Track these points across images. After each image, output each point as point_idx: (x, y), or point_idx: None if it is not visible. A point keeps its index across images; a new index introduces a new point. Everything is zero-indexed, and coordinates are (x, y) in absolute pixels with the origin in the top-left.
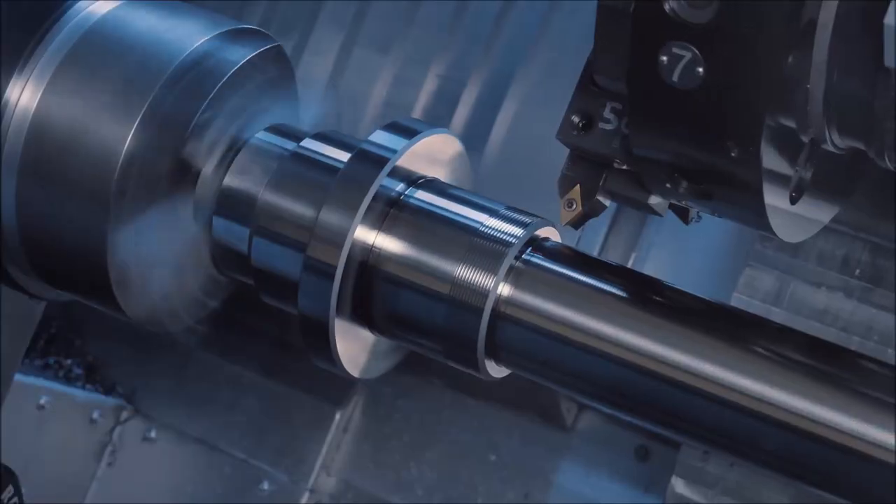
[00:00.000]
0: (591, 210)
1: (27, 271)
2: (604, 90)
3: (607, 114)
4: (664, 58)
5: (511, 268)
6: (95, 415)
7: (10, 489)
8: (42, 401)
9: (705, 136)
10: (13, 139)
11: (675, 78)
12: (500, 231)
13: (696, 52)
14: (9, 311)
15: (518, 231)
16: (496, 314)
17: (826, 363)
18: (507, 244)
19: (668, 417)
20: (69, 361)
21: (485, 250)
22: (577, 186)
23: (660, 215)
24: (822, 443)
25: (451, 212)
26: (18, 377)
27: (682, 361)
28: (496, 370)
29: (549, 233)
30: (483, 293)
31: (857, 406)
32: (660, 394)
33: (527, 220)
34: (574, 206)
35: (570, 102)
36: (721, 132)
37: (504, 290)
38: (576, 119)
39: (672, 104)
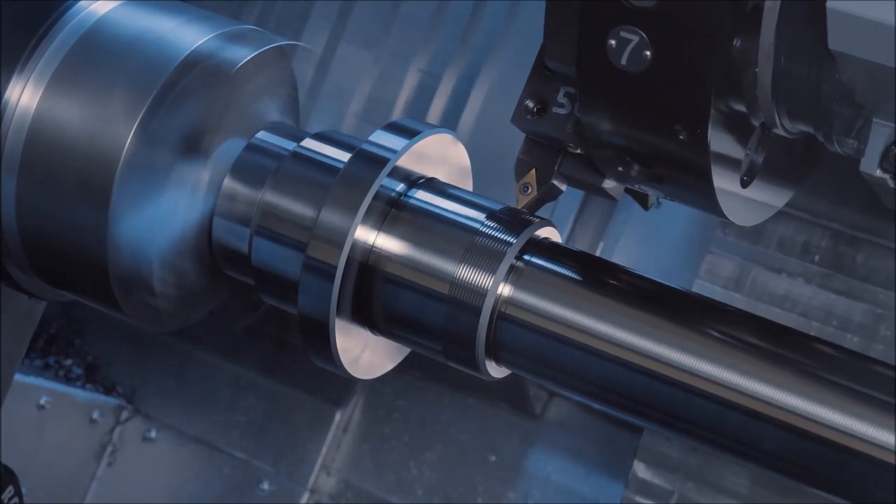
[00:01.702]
0: (546, 194)
1: (27, 271)
2: (557, 75)
3: (561, 98)
4: (612, 41)
5: (511, 268)
6: (95, 415)
7: (10, 489)
8: (42, 401)
9: (654, 119)
10: (13, 139)
11: (623, 61)
12: (500, 231)
13: (644, 35)
14: (9, 311)
15: (518, 231)
16: (496, 314)
17: (827, 363)
18: (507, 244)
19: (669, 418)
20: (69, 361)
21: (485, 250)
22: (533, 171)
23: (614, 199)
24: (822, 443)
25: (451, 212)
26: (18, 377)
27: (683, 361)
28: (496, 370)
29: (549, 233)
30: (483, 293)
31: (857, 406)
32: (661, 394)
33: (527, 220)
34: (529, 191)
35: (524, 87)
36: (669, 115)
37: (504, 290)
38: (530, 104)
39: (621, 87)
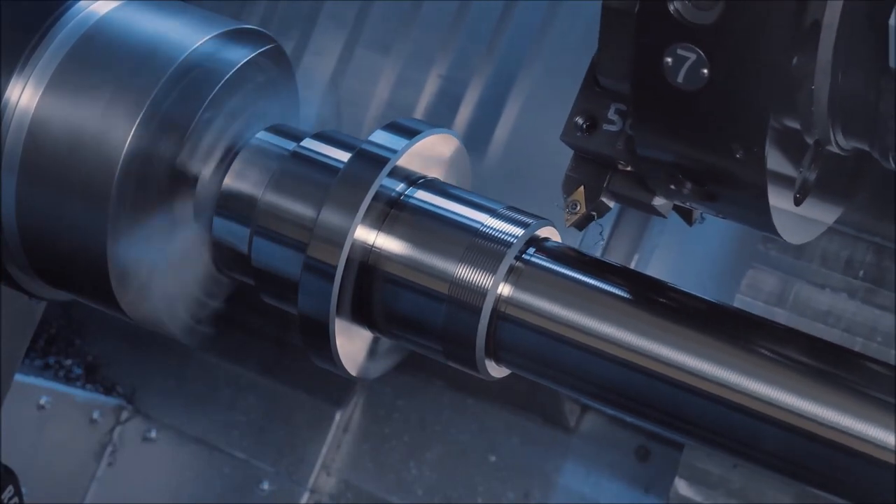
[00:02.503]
0: (595, 211)
1: (27, 271)
2: (608, 91)
3: (611, 115)
4: (669, 59)
5: (511, 268)
6: (95, 415)
7: (10, 489)
8: (42, 401)
9: (710, 138)
10: (13, 139)
11: (679, 79)
12: (500, 231)
13: (701, 53)
14: (9, 311)
15: (518, 231)
16: (496, 314)
17: (827, 363)
18: (507, 244)
19: (668, 417)
20: (69, 361)
21: (485, 250)
22: (581, 188)
23: (663, 216)
24: (822, 443)
25: (451, 212)
26: (18, 377)
27: (682, 361)
28: (496, 370)
29: (550, 233)
30: (483, 293)
31: (857, 406)
32: (660, 394)
33: (527, 220)
34: (578, 208)
35: (574, 103)
36: (726, 133)
37: (504, 289)
38: (580, 120)
39: (676, 105)
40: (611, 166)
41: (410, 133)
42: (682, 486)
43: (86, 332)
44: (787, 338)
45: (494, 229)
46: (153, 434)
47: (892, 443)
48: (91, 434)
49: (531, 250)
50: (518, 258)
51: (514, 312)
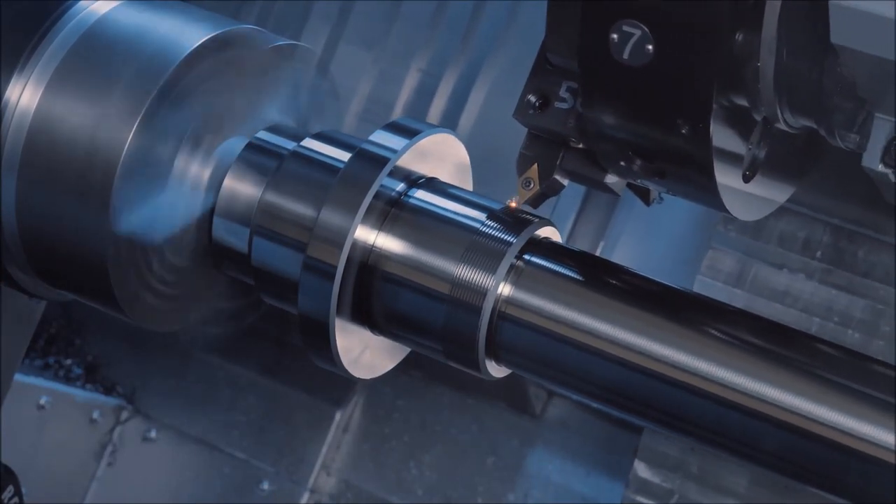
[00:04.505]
0: (548, 189)
1: (27, 271)
2: (559, 69)
3: (563, 93)
4: (614, 35)
5: (511, 267)
6: (95, 415)
7: (10, 489)
8: (42, 401)
9: (656, 113)
10: (13, 139)
11: (625, 55)
12: (500, 230)
13: (646, 29)
14: (9, 311)
15: (518, 230)
16: (496, 314)
17: (829, 363)
18: (508, 243)
19: (668, 417)
20: (69, 361)
21: (485, 250)
22: (535, 166)
23: (616, 195)
24: (821, 442)
25: (451, 211)
26: (18, 377)
27: (683, 361)
28: (496, 370)
29: (550, 232)
30: (483, 293)
31: (857, 406)
32: (660, 393)
33: (527, 219)
34: (531, 186)
35: (526, 82)
36: (671, 109)
37: (504, 289)
38: (532, 98)
39: (623, 81)
40: (563, 144)
41: (410, 133)
42: (641, 469)
43: (86, 332)
44: (790, 337)
45: (495, 229)
46: (153, 434)
47: (892, 443)
48: (91, 434)
49: (531, 250)
50: (518, 258)
51: (514, 312)
